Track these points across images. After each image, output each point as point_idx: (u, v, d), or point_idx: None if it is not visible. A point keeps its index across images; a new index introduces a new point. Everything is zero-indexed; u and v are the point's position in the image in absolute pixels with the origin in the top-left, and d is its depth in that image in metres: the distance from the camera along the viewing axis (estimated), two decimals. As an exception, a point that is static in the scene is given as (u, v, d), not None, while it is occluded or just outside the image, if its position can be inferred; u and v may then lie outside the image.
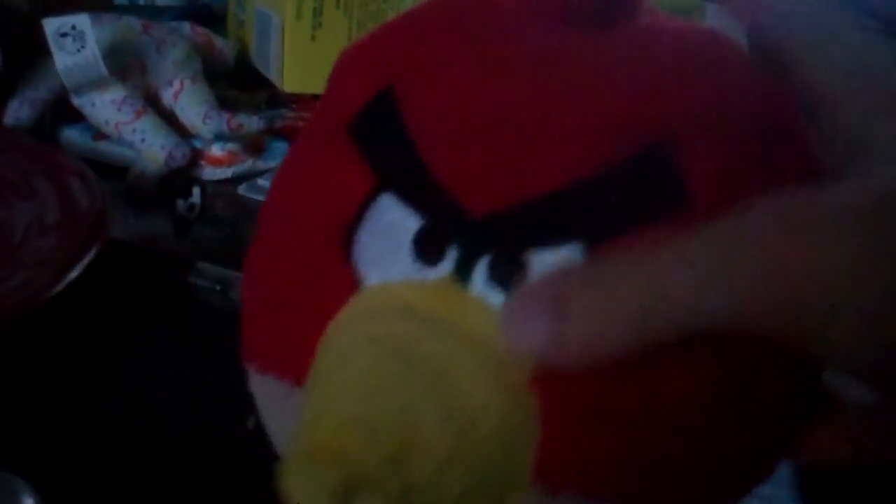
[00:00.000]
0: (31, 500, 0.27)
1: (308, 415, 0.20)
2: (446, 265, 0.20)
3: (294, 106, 0.64)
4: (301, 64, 0.62)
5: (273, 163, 0.57)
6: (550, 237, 0.20)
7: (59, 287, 0.40)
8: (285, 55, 0.62)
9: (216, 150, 0.57)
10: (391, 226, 0.21)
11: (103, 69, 0.55)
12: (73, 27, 0.55)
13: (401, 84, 0.22)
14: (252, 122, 0.58)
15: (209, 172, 0.56)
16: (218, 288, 0.46)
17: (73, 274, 0.41)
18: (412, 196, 0.21)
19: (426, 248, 0.20)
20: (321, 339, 0.21)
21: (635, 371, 0.19)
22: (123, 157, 0.56)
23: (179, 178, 0.56)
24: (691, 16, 0.64)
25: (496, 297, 0.20)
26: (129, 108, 0.56)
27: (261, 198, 0.52)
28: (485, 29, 0.22)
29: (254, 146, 0.58)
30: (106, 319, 0.44)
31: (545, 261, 0.20)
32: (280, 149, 0.59)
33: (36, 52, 0.58)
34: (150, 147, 0.55)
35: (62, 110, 0.58)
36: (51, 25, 0.54)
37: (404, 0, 0.62)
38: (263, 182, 0.55)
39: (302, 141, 0.25)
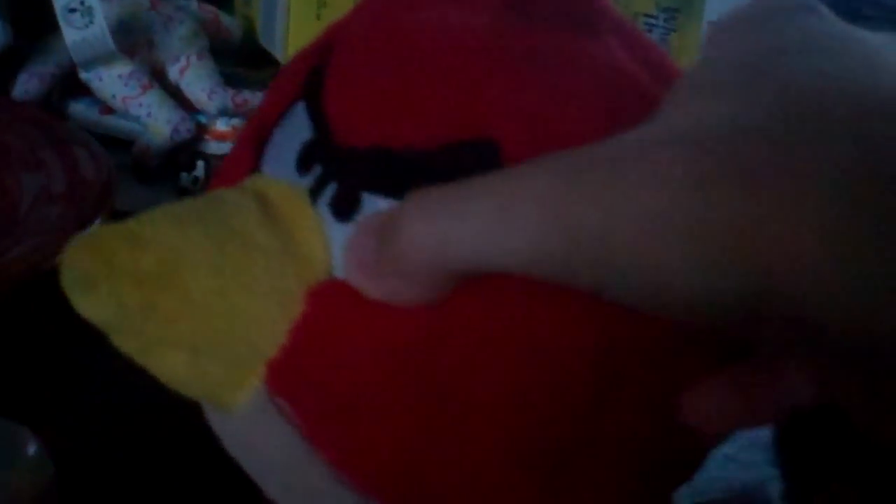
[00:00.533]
0: (34, 447, 0.28)
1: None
2: (309, 180, 0.22)
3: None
4: (306, 42, 0.63)
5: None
6: (380, 187, 0.21)
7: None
8: (290, 33, 0.63)
9: (221, 126, 0.58)
10: (294, 131, 0.23)
11: (111, 44, 0.56)
12: (82, 3, 0.55)
13: (345, 30, 0.25)
14: (257, 99, 0.59)
15: (213, 147, 0.57)
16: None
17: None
18: (312, 111, 0.23)
19: (304, 160, 0.22)
20: None
21: (377, 322, 0.21)
22: (129, 131, 0.57)
23: (184, 151, 0.57)
24: (692, 5, 0.65)
25: (329, 222, 0.22)
26: (135, 83, 0.56)
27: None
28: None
29: (258, 122, 0.59)
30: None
31: (374, 206, 0.21)
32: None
33: (44, 27, 0.59)
34: (156, 121, 0.56)
35: (69, 84, 0.59)
36: (60, 0, 0.55)
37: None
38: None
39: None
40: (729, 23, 0.21)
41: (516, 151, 0.21)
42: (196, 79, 0.59)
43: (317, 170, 0.22)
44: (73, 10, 0.55)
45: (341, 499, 0.22)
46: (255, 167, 0.24)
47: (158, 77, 0.59)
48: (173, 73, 0.59)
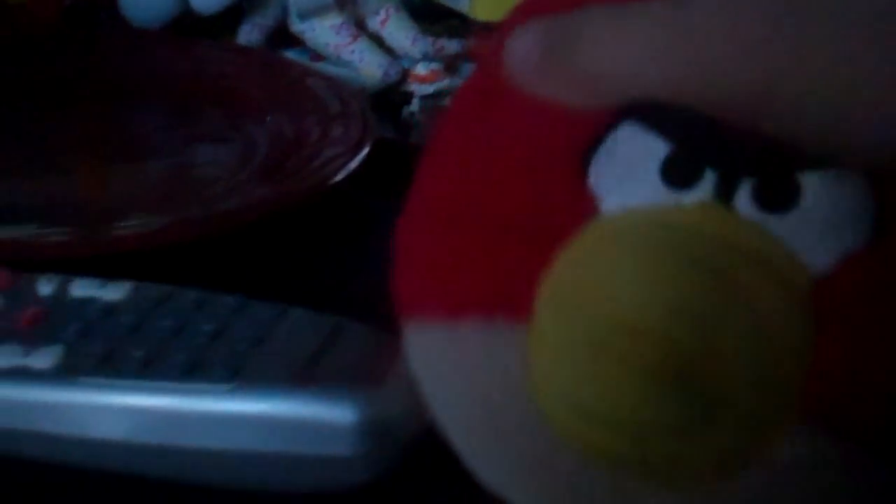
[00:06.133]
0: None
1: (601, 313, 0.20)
2: (703, 188, 0.20)
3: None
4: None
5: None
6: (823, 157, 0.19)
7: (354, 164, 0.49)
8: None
9: (421, 69, 0.65)
10: (633, 153, 0.21)
11: (327, -2, 0.63)
12: (301, -39, 0.63)
13: None
14: (452, 45, 0.66)
15: (415, 88, 0.65)
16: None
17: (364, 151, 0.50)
18: (658, 121, 0.20)
19: (679, 171, 0.20)
20: (551, 264, 0.21)
21: None
22: (339, 76, 0.65)
23: (394, 92, 0.64)
24: None
25: (764, 220, 0.19)
26: (346, 33, 0.64)
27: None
28: None
29: (450, 66, 0.66)
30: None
31: (819, 183, 0.19)
32: (469, 69, 0.67)
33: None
34: (369, 65, 0.63)
35: (278, 37, 0.67)
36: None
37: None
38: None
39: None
40: None
41: None
42: (398, 28, 0.66)
43: (709, 174, 0.20)
44: (293, -32, 0.63)
45: None
46: (593, 207, 0.21)
47: (360, 28, 0.66)
48: (373, 24, 0.67)
